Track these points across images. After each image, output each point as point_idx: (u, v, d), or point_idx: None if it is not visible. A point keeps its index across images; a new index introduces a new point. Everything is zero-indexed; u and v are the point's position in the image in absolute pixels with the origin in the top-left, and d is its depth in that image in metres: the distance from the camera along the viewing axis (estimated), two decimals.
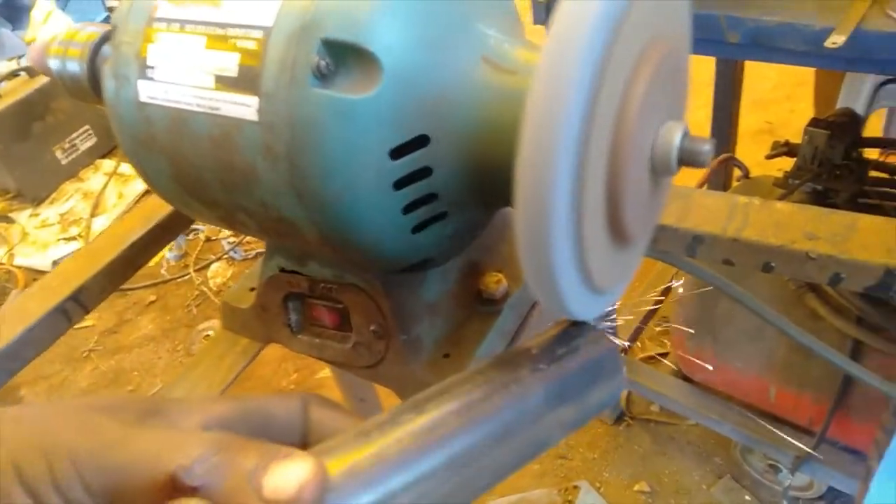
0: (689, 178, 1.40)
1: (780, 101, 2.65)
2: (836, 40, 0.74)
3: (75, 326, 0.71)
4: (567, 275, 0.31)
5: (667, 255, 0.64)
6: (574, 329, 0.37)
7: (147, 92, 0.39)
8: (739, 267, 0.59)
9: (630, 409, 1.80)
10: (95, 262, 0.72)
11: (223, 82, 0.36)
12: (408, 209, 0.38)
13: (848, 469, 1.28)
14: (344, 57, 0.34)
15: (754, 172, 1.47)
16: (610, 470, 1.69)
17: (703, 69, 1.75)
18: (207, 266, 2.50)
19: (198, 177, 0.40)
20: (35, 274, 2.62)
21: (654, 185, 0.37)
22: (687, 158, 0.35)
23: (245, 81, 0.35)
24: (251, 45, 0.35)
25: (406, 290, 0.50)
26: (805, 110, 1.98)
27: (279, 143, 0.35)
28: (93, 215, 2.71)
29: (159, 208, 0.78)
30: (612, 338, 0.38)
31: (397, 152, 0.35)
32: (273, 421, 0.27)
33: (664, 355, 1.84)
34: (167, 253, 2.58)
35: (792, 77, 2.62)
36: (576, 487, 1.66)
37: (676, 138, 0.34)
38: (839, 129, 1.08)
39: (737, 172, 1.47)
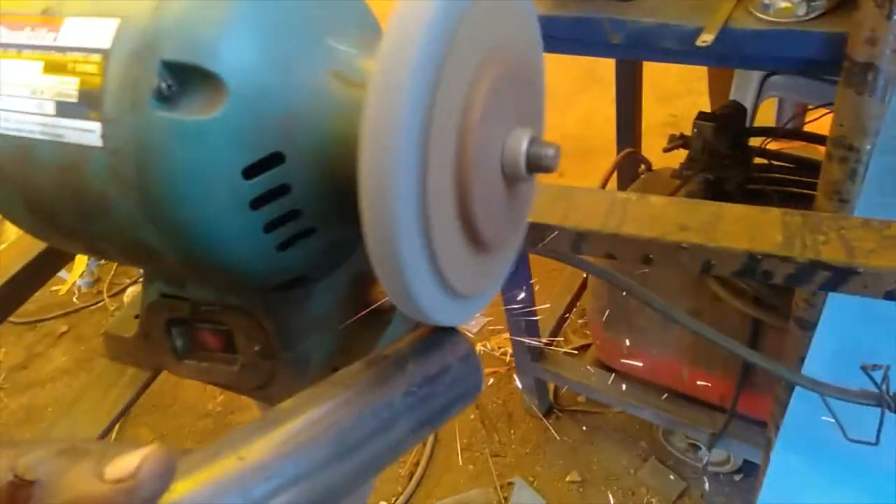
0: (599, 172, 1.45)
1: (683, 94, 2.77)
2: (706, 39, 0.78)
3: None
4: (421, 280, 0.32)
5: (558, 253, 0.66)
6: (447, 339, 0.38)
7: None
8: (624, 261, 0.62)
9: (558, 401, 1.84)
10: None
11: (64, 108, 0.35)
12: (269, 228, 0.37)
13: (759, 442, 1.35)
14: (187, 78, 0.33)
15: (659, 165, 1.54)
16: (542, 463, 1.72)
17: (608, 68, 1.82)
18: (123, 291, 2.40)
19: (51, 207, 0.39)
20: None
21: (511, 192, 0.39)
22: (534, 164, 0.36)
23: (86, 107, 0.34)
24: (91, 69, 0.34)
25: (290, 306, 0.49)
26: (706, 103, 2.08)
27: (127, 169, 0.34)
28: None
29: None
30: (477, 355, 0.39)
31: (250, 172, 0.35)
32: None
33: (587, 346, 1.89)
34: (78, 280, 2.46)
35: (693, 71, 2.74)
36: (510, 484, 1.69)
37: (523, 145, 0.35)
38: (725, 120, 1.14)
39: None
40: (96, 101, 0.34)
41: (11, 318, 2.39)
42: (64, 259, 0.75)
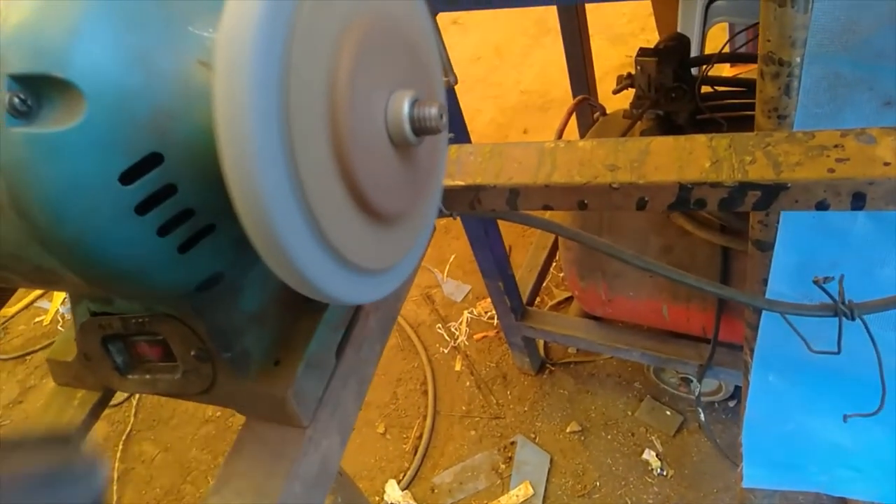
0: (553, 121, 1.43)
1: (637, 33, 2.74)
2: None
3: None
4: (304, 251, 0.31)
5: (498, 213, 0.65)
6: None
7: None
8: (560, 209, 0.61)
9: (549, 356, 1.85)
10: None
11: None
12: (163, 231, 0.36)
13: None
14: (40, 90, 0.32)
15: (616, 107, 1.52)
16: (542, 419, 1.74)
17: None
18: None
19: None
20: None
21: (407, 160, 0.38)
22: (420, 125, 0.35)
23: None
24: None
25: (221, 307, 0.48)
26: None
27: None
28: None
29: None
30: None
31: (127, 177, 0.34)
32: None
33: (571, 299, 1.90)
34: (60, 307, 2.44)
35: (643, 9, 2.71)
36: (513, 443, 1.70)
37: (404, 107, 0.34)
38: (667, 53, 1.12)
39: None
40: None
41: (0, 355, 2.38)
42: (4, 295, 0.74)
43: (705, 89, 1.30)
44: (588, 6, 1.89)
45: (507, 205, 0.61)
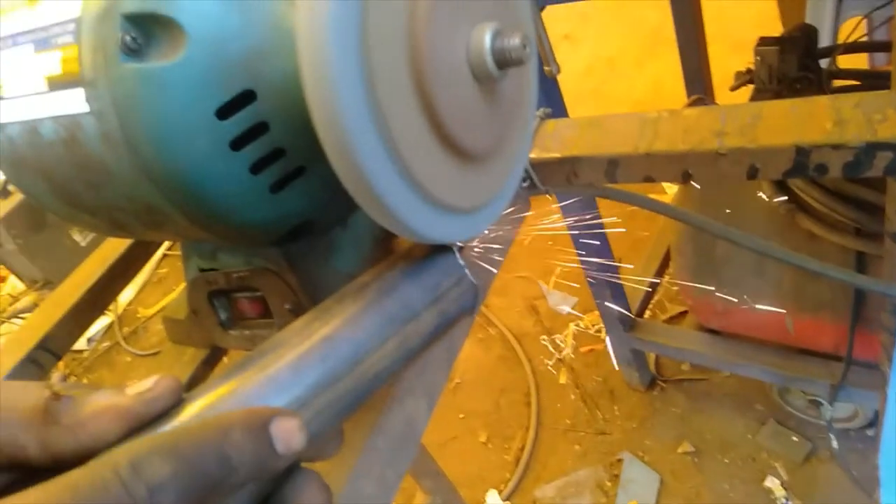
0: None
1: None
2: None
3: None
4: (388, 183, 0.31)
5: (595, 188, 0.63)
6: (440, 259, 0.37)
7: (3, 112, 0.41)
8: (662, 180, 0.58)
9: (660, 371, 1.76)
10: (59, 309, 0.74)
11: (53, 82, 0.37)
12: (256, 169, 0.38)
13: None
14: (149, 28, 0.35)
15: None
16: (651, 437, 1.65)
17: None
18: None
19: (68, 186, 0.42)
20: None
21: (491, 96, 0.37)
22: (501, 57, 0.34)
23: (69, 75, 0.36)
24: (67, 39, 0.36)
25: (314, 262, 0.50)
26: None
27: (112, 128, 0.36)
28: None
29: (115, 249, 0.80)
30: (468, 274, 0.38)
31: (224, 112, 0.36)
32: None
33: (685, 313, 1.80)
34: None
35: (768, 13, 2.56)
36: (619, 460, 1.63)
37: (486, 39, 0.34)
38: (788, 43, 1.05)
39: None
40: (75, 67, 0.36)
41: (139, 351, 2.60)
42: (136, 267, 0.81)
43: (837, 83, 1.20)
44: (707, 12, 1.81)
45: (605, 177, 0.59)
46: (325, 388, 0.30)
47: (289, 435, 0.25)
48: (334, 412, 0.31)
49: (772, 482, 1.45)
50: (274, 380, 0.29)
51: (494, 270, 0.52)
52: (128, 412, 0.25)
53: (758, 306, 1.28)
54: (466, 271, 0.38)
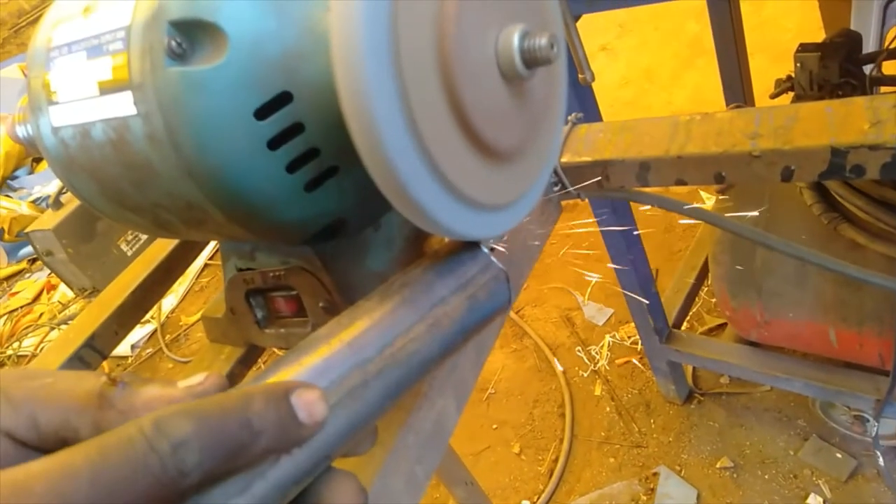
0: None
1: None
2: None
3: None
4: (417, 179, 0.32)
5: (627, 192, 0.63)
6: (471, 259, 0.38)
7: (57, 116, 0.43)
8: (695, 183, 0.58)
9: (698, 385, 1.73)
10: (105, 309, 0.77)
11: (104, 87, 0.39)
12: (292, 168, 0.39)
13: None
14: (193, 34, 0.37)
15: None
16: (688, 451, 1.62)
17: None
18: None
19: (115, 185, 0.44)
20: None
21: (519, 95, 0.38)
22: (529, 56, 0.35)
23: (119, 80, 0.39)
24: (117, 45, 0.38)
25: (348, 261, 0.51)
26: None
27: (157, 129, 0.38)
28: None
29: (159, 252, 0.83)
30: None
31: (262, 113, 0.37)
32: None
33: (724, 325, 1.77)
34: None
35: (810, 24, 2.52)
36: (655, 474, 1.60)
37: (514, 40, 0.35)
38: (830, 48, 1.03)
39: None
40: (125, 72, 0.38)
41: (180, 358, 2.66)
42: (179, 269, 0.83)
43: (883, 90, 1.18)
44: (748, 22, 1.79)
45: (636, 180, 0.59)
46: (353, 371, 0.31)
47: (310, 405, 0.26)
48: (367, 400, 0.32)
49: (814, 500, 1.41)
50: (305, 367, 0.30)
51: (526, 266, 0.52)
52: (178, 403, 0.27)
53: (799, 318, 1.25)
54: (492, 258, 0.38)
